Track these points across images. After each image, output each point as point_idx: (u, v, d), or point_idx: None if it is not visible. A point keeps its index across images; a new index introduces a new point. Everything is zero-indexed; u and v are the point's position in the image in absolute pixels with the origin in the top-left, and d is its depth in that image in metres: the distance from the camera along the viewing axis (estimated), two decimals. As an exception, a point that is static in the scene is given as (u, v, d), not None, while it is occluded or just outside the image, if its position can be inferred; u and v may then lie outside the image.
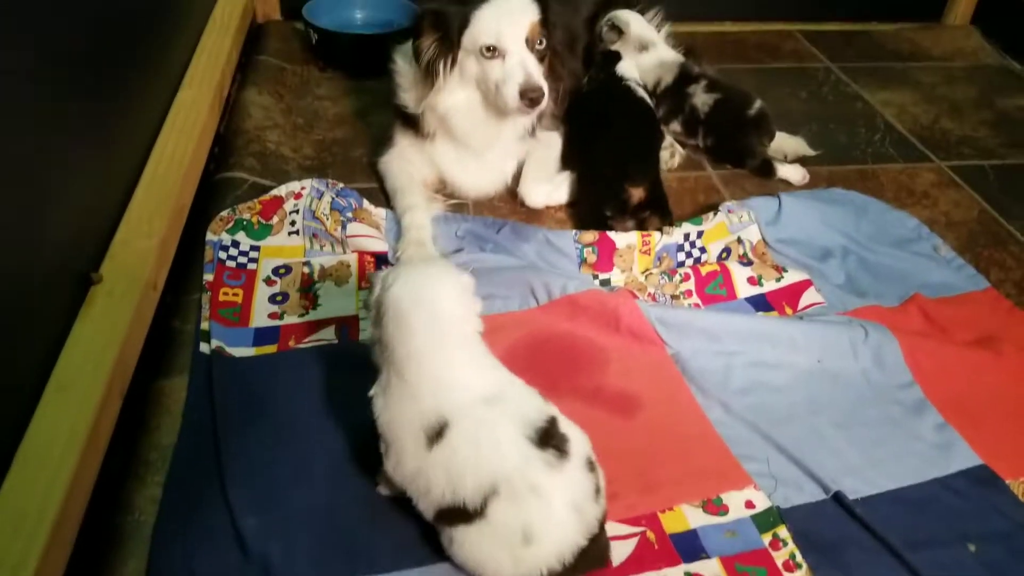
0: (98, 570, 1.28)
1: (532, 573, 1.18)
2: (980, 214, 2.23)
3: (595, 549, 1.22)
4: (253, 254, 1.86)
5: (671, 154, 2.31)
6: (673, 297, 1.86)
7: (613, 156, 2.05)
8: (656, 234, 1.93)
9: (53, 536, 1.12)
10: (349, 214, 1.95)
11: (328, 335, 1.70)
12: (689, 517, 1.38)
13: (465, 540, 1.19)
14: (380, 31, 2.72)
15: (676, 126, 2.37)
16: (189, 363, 1.62)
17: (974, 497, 1.45)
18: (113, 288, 1.47)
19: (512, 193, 2.14)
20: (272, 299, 1.77)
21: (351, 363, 1.62)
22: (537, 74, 1.86)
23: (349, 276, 1.84)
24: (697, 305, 1.85)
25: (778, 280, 1.88)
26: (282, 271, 1.84)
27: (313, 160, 2.24)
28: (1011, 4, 3.14)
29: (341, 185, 2.03)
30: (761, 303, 1.85)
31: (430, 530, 1.27)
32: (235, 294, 1.77)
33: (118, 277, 1.50)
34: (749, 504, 1.41)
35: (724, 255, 1.96)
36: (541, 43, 1.89)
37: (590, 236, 1.94)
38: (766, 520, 1.38)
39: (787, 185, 2.27)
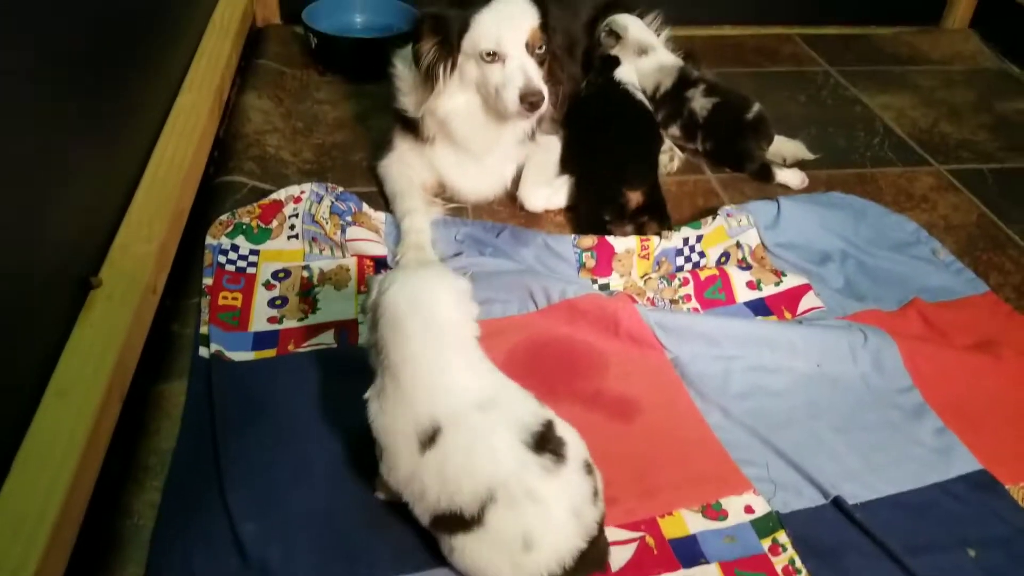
0: (97, 575, 1.28)
1: None
2: (979, 218, 2.23)
3: (595, 551, 1.22)
4: (252, 258, 1.86)
5: (670, 158, 2.32)
6: (672, 302, 1.86)
7: (612, 160, 2.05)
8: (655, 238, 1.93)
9: (52, 540, 1.12)
10: (348, 218, 1.95)
11: (327, 339, 1.70)
12: (688, 522, 1.38)
13: (465, 548, 1.19)
14: (379, 35, 2.73)
15: (675, 130, 2.38)
16: (188, 367, 1.62)
17: (974, 502, 1.45)
18: (112, 292, 1.47)
19: (511, 197, 2.14)
20: (271, 303, 1.77)
21: (350, 367, 1.61)
22: (537, 78, 1.86)
23: (348, 280, 1.84)
24: (696, 309, 1.85)
25: (777, 284, 1.88)
26: (281, 275, 1.84)
27: (313, 164, 2.24)
28: (1010, 8, 3.15)
29: (340, 189, 2.03)
30: (760, 307, 1.85)
31: (428, 535, 1.27)
32: (234, 298, 1.77)
33: (117, 281, 1.50)
34: (748, 509, 1.41)
35: (723, 259, 1.96)
36: (541, 47, 1.89)
37: (589, 241, 1.94)
38: (765, 525, 1.38)
39: (786, 189, 2.27)
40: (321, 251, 1.90)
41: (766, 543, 1.36)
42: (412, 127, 2.07)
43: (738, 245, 1.98)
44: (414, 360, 1.21)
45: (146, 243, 1.60)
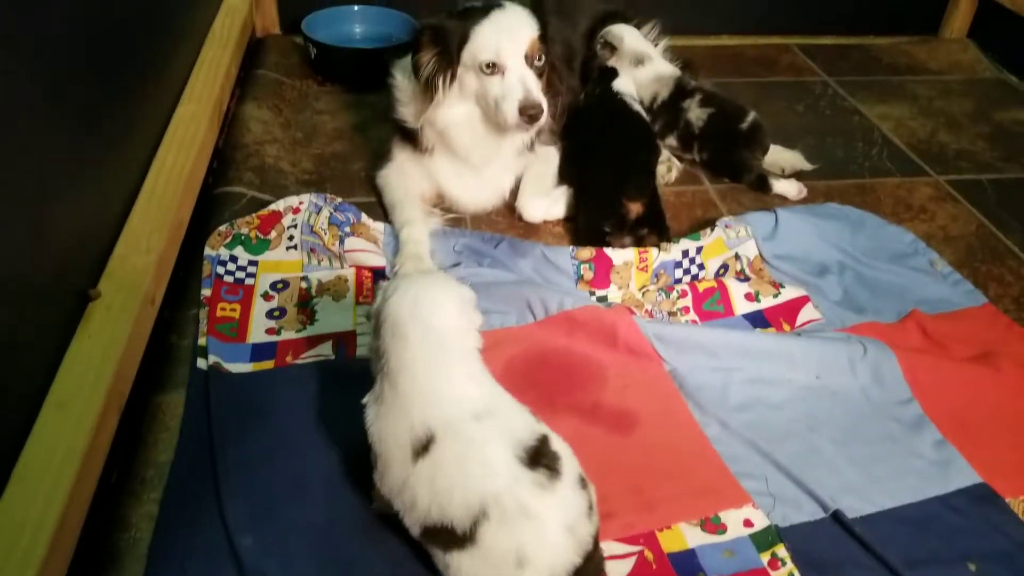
0: (94, 588, 1.28)
1: None
2: (978, 228, 2.23)
3: (590, 567, 1.21)
4: (251, 269, 1.86)
5: (668, 168, 2.32)
6: (670, 314, 1.85)
7: (610, 171, 2.05)
8: (653, 251, 1.93)
9: (50, 553, 1.11)
10: (347, 229, 1.95)
11: (325, 350, 1.70)
12: (687, 536, 1.38)
13: (460, 566, 1.18)
14: (379, 45, 2.74)
15: (672, 140, 2.38)
16: (186, 379, 1.62)
17: (974, 516, 1.45)
18: (111, 303, 1.47)
19: (510, 208, 2.14)
20: (270, 314, 1.77)
21: (348, 379, 1.61)
22: (536, 91, 1.86)
23: (347, 291, 1.84)
24: (694, 321, 1.85)
25: (775, 296, 1.88)
26: (280, 286, 1.84)
27: (312, 174, 2.24)
28: (1008, 17, 3.15)
29: (339, 200, 2.03)
30: (759, 319, 1.85)
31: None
32: (233, 309, 1.77)
33: (116, 292, 1.50)
34: (747, 523, 1.40)
35: (721, 271, 1.96)
36: (540, 59, 1.90)
37: (587, 253, 1.94)
38: (764, 539, 1.38)
39: (784, 200, 2.27)
40: (320, 262, 1.90)
41: (765, 557, 1.35)
42: (411, 137, 2.07)
43: (736, 257, 1.98)
44: (413, 366, 1.20)
45: (145, 254, 1.60)
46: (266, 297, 1.81)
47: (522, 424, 1.22)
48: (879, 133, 2.66)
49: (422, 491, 1.18)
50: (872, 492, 1.48)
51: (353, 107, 2.57)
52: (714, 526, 1.40)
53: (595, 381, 1.66)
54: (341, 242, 1.91)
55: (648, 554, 1.35)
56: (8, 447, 1.20)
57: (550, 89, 1.97)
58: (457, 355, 1.23)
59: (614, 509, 1.39)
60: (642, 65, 2.41)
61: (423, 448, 1.18)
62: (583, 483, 1.22)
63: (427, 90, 1.92)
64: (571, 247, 1.98)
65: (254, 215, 1.95)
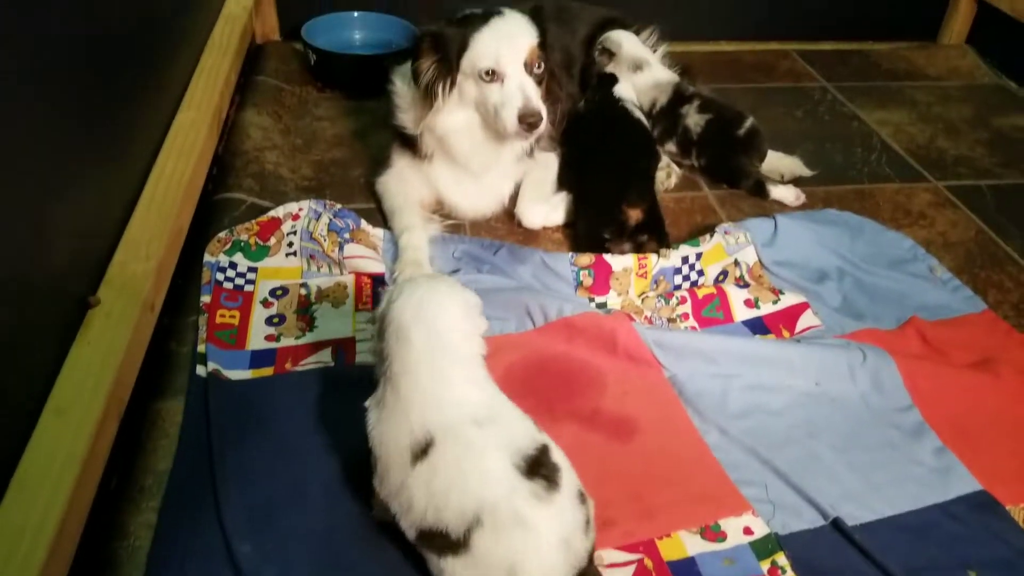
0: (93, 596, 1.27)
1: None
2: (977, 234, 2.23)
3: None
4: (250, 275, 1.86)
5: (667, 174, 2.32)
6: (670, 320, 1.85)
7: (610, 178, 2.05)
8: (652, 257, 1.93)
9: (49, 560, 1.11)
10: (347, 235, 1.95)
11: (324, 357, 1.70)
12: (687, 544, 1.37)
13: (454, 572, 1.17)
14: (378, 52, 2.74)
15: (671, 147, 2.38)
16: (186, 385, 1.61)
17: (974, 523, 1.45)
18: (111, 310, 1.47)
19: (509, 214, 2.14)
20: (269, 321, 1.77)
21: (347, 386, 1.62)
22: (536, 99, 1.87)
23: (346, 297, 1.84)
24: (694, 328, 1.85)
25: (775, 303, 1.88)
26: (279, 292, 1.83)
27: (311, 180, 2.24)
28: (1006, 23, 3.16)
29: (339, 206, 2.03)
30: (758, 326, 1.85)
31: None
32: (232, 316, 1.77)
33: (116, 299, 1.49)
34: (747, 530, 1.40)
35: (721, 277, 1.96)
36: (539, 67, 1.90)
37: (586, 259, 1.94)
38: (764, 547, 1.37)
39: (782, 206, 2.27)
40: (319, 268, 1.90)
41: (765, 565, 1.35)
42: (411, 144, 2.07)
43: (736, 263, 1.98)
44: (415, 370, 1.20)
45: (144, 261, 1.60)
46: (265, 304, 1.81)
47: (523, 432, 1.22)
48: (878, 139, 2.67)
49: (419, 494, 1.17)
50: (872, 499, 1.47)
51: (352, 113, 2.58)
52: (714, 534, 1.40)
53: (594, 388, 1.66)
54: (340, 248, 1.91)
55: (648, 562, 1.34)
56: (8, 453, 1.19)
57: (549, 96, 1.98)
58: (460, 360, 1.23)
59: (614, 517, 1.39)
60: (640, 71, 2.41)
61: (422, 451, 1.18)
62: (582, 497, 1.21)
63: (427, 97, 1.92)
64: (570, 253, 1.98)
65: (253, 221, 1.95)
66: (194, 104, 2.09)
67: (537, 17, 1.93)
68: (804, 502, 1.46)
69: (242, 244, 1.90)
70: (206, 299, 1.78)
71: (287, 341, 1.73)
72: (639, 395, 1.65)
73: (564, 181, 2.17)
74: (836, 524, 1.41)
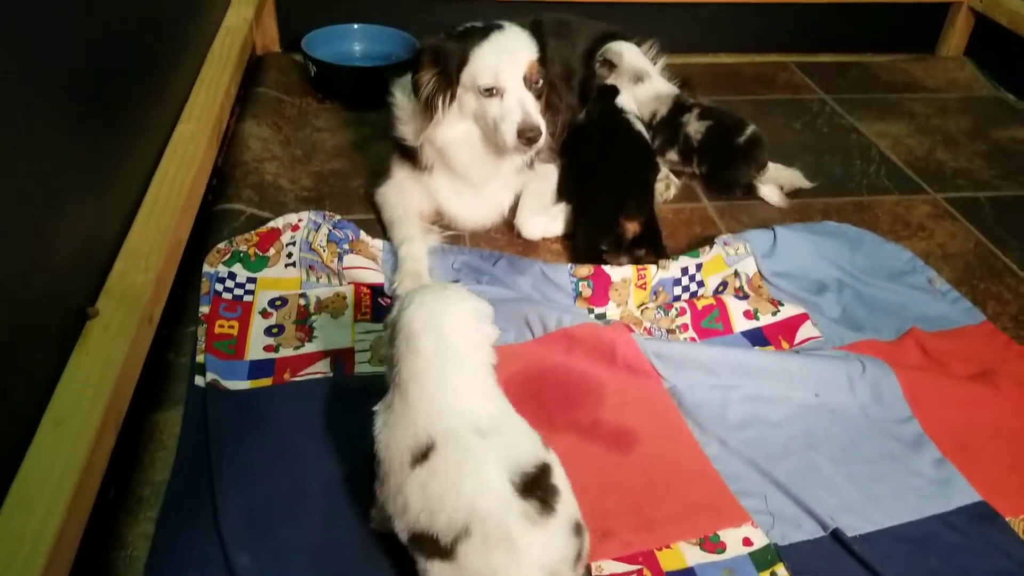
0: (90, 608, 1.27)
1: None
2: (976, 246, 2.23)
3: None
4: (249, 286, 1.86)
5: (666, 186, 2.32)
6: (669, 331, 1.85)
7: (609, 189, 2.05)
8: (652, 268, 1.93)
9: (47, 569, 1.11)
10: (346, 246, 1.95)
11: (323, 368, 1.70)
12: (686, 555, 1.37)
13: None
14: (378, 64, 2.75)
15: (672, 155, 2.38)
16: (184, 396, 1.61)
17: (974, 534, 1.44)
18: (109, 322, 1.47)
19: (509, 225, 2.15)
20: (268, 331, 1.77)
21: (346, 396, 1.62)
22: (535, 113, 1.87)
23: (345, 308, 1.84)
24: (693, 339, 1.85)
25: (774, 314, 1.88)
26: (278, 303, 1.83)
27: (311, 191, 2.25)
28: (1004, 36, 3.17)
29: (338, 217, 2.03)
30: (757, 337, 1.85)
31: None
32: (231, 326, 1.77)
33: (115, 311, 1.49)
34: (747, 541, 1.40)
35: (720, 288, 1.96)
36: (538, 81, 1.90)
37: (585, 270, 1.94)
38: (764, 558, 1.37)
39: (780, 216, 2.27)
40: (318, 279, 1.90)
41: (764, 576, 1.35)
42: (410, 155, 2.07)
43: (736, 274, 1.98)
44: (423, 377, 1.21)
45: (144, 273, 1.60)
46: (264, 314, 1.81)
47: (525, 449, 1.20)
48: (877, 151, 2.67)
49: (415, 497, 1.17)
50: (871, 510, 1.47)
51: (352, 125, 2.58)
52: (713, 545, 1.39)
53: (594, 398, 1.66)
54: (340, 259, 1.91)
55: (647, 573, 1.34)
56: (7, 463, 1.19)
57: (549, 107, 1.99)
58: (468, 368, 1.24)
59: (613, 528, 1.39)
60: (641, 83, 2.42)
61: (423, 455, 1.18)
62: (578, 529, 1.19)
63: (427, 109, 1.92)
64: (569, 264, 1.98)
65: (253, 232, 1.95)
66: (194, 115, 2.09)
67: (537, 31, 1.94)
68: (804, 513, 1.45)
69: (241, 255, 1.90)
70: (205, 309, 1.78)
71: (286, 351, 1.72)
72: (638, 406, 1.65)
73: (563, 192, 2.18)
74: (835, 535, 1.41)
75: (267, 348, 1.73)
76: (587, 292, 1.92)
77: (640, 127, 2.26)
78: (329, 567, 1.32)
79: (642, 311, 1.90)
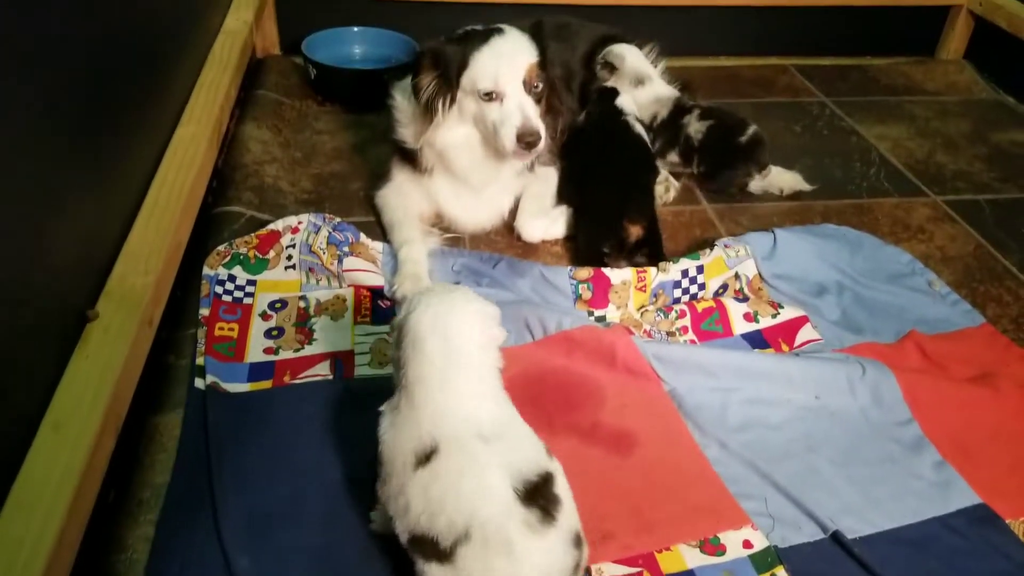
0: (90, 611, 1.27)
1: None
2: (976, 249, 2.23)
3: None
4: (249, 288, 1.86)
5: (666, 188, 2.32)
6: (669, 334, 1.85)
7: (610, 191, 2.06)
8: (652, 270, 1.93)
9: (48, 568, 1.11)
10: (346, 248, 1.95)
11: (323, 370, 1.70)
12: (686, 557, 1.37)
13: None
14: (378, 66, 2.75)
15: (673, 157, 2.38)
16: (184, 399, 1.61)
17: (974, 537, 1.44)
18: (109, 324, 1.47)
19: (509, 227, 2.15)
20: (268, 334, 1.77)
21: (346, 399, 1.62)
22: (534, 118, 1.87)
23: (345, 311, 1.84)
24: (693, 342, 1.85)
25: (774, 316, 1.88)
26: (278, 305, 1.84)
27: (311, 193, 2.25)
28: (1004, 39, 3.17)
29: (338, 219, 2.03)
30: (757, 340, 1.85)
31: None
32: (231, 329, 1.77)
33: (114, 313, 1.49)
34: (747, 544, 1.40)
35: (721, 291, 1.97)
36: (538, 86, 1.90)
37: (585, 272, 1.94)
38: (764, 560, 1.37)
39: (780, 218, 2.27)
40: (318, 281, 1.90)
41: (764, 578, 1.35)
42: (410, 158, 2.08)
43: (736, 276, 1.98)
44: (429, 380, 1.21)
45: (144, 275, 1.59)
46: (264, 317, 1.81)
47: (529, 456, 1.20)
48: (876, 153, 2.67)
49: (416, 499, 1.17)
50: (871, 513, 1.47)
51: (352, 127, 2.58)
52: (713, 547, 1.39)
53: (593, 401, 1.66)
54: (340, 262, 1.91)
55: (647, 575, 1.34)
56: (6, 466, 1.19)
57: (550, 110, 1.99)
58: (475, 371, 1.23)
59: (613, 530, 1.39)
60: (642, 86, 2.42)
61: (426, 457, 1.18)
62: (578, 540, 1.19)
63: (427, 112, 1.93)
64: (569, 267, 1.98)
65: (253, 235, 1.95)
66: (194, 118, 2.09)
67: (537, 34, 1.94)
68: (804, 515, 1.45)
69: (241, 257, 1.91)
70: (205, 312, 1.78)
71: (286, 354, 1.72)
72: (638, 409, 1.65)
73: (564, 194, 2.18)
74: (835, 537, 1.41)
75: (267, 350, 1.73)
76: (587, 294, 1.92)
77: (640, 129, 2.26)
78: (329, 569, 1.32)
79: (642, 313, 1.90)
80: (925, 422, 1.66)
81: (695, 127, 2.33)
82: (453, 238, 2.12)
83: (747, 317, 1.88)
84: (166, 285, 1.71)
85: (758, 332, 1.86)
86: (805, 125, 2.83)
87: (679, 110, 2.38)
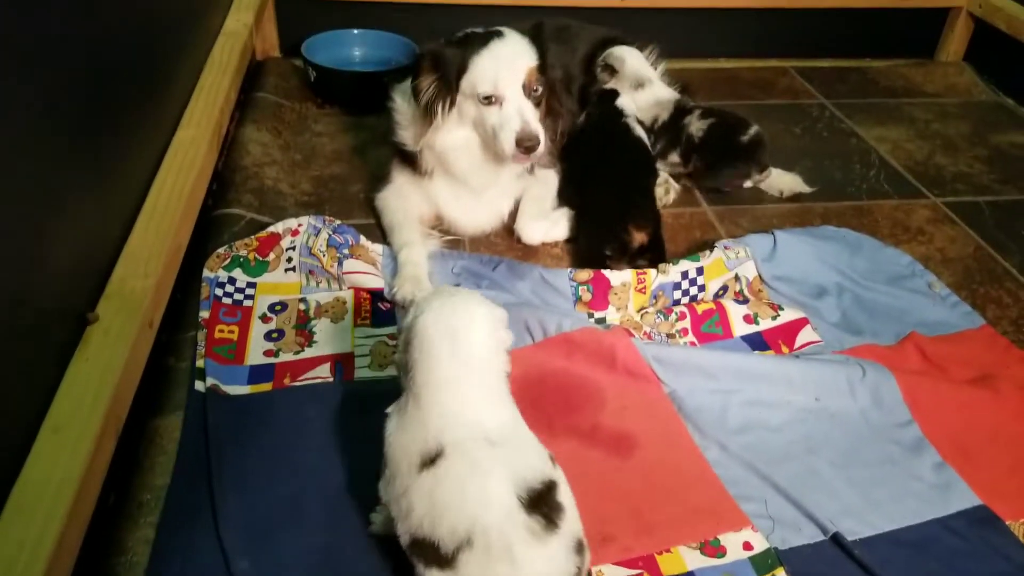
0: (90, 613, 1.27)
1: None
2: (976, 250, 2.23)
3: None
4: (249, 291, 1.86)
5: (666, 191, 2.32)
6: (669, 336, 1.85)
7: (612, 193, 2.06)
8: (652, 272, 1.93)
9: (48, 571, 1.10)
10: (346, 251, 1.95)
11: (323, 373, 1.70)
12: (686, 559, 1.37)
13: None
14: (377, 69, 2.76)
15: (674, 157, 2.38)
16: (184, 401, 1.61)
17: (974, 538, 1.44)
18: (109, 327, 1.47)
19: (509, 230, 2.15)
20: (268, 336, 1.77)
21: (346, 401, 1.62)
22: (534, 122, 1.87)
23: (345, 313, 1.84)
24: (693, 344, 1.85)
25: (774, 318, 1.88)
26: (278, 308, 1.84)
27: (311, 196, 2.25)
28: (1003, 41, 3.17)
29: (338, 222, 2.03)
30: (757, 342, 1.85)
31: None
32: (231, 331, 1.77)
33: (114, 316, 1.49)
34: (747, 546, 1.40)
35: (721, 292, 1.97)
36: (537, 89, 1.91)
37: (585, 274, 1.94)
38: (764, 562, 1.37)
39: (780, 220, 2.27)
40: (318, 284, 1.90)
41: (765, 580, 1.34)
42: (410, 160, 2.08)
43: (736, 278, 1.98)
44: (436, 384, 1.21)
45: (144, 278, 1.59)
46: (264, 319, 1.81)
47: (533, 464, 1.20)
48: (876, 155, 2.68)
49: (419, 502, 1.17)
50: (871, 515, 1.47)
51: (352, 129, 2.59)
52: (713, 549, 1.39)
53: (593, 403, 1.66)
54: (339, 264, 1.92)
55: (647, 577, 1.34)
56: (6, 469, 1.19)
57: (550, 113, 1.99)
58: (482, 377, 1.23)
59: (613, 532, 1.39)
60: (642, 89, 2.42)
61: (431, 460, 1.17)
62: (580, 547, 1.19)
63: (426, 114, 1.93)
64: (569, 268, 1.98)
65: (253, 237, 1.95)
66: (194, 121, 2.09)
67: (537, 37, 1.94)
68: (804, 517, 1.45)
69: (241, 259, 1.91)
70: (205, 314, 1.78)
71: (286, 356, 1.72)
72: (638, 411, 1.65)
73: (565, 197, 2.18)
74: (836, 539, 1.41)
75: (267, 353, 1.73)
76: (587, 296, 1.92)
77: (640, 132, 2.27)
78: (329, 571, 1.32)
79: (642, 315, 1.90)
80: (925, 424, 1.66)
81: (696, 125, 2.33)
82: (453, 240, 2.12)
83: (747, 319, 1.88)
84: (166, 288, 1.71)
85: (758, 334, 1.86)
86: (805, 127, 2.83)
87: (680, 111, 2.39)
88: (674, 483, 1.51)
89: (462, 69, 1.88)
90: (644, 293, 1.91)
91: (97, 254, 1.57)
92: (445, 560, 1.13)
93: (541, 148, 1.89)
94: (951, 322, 1.94)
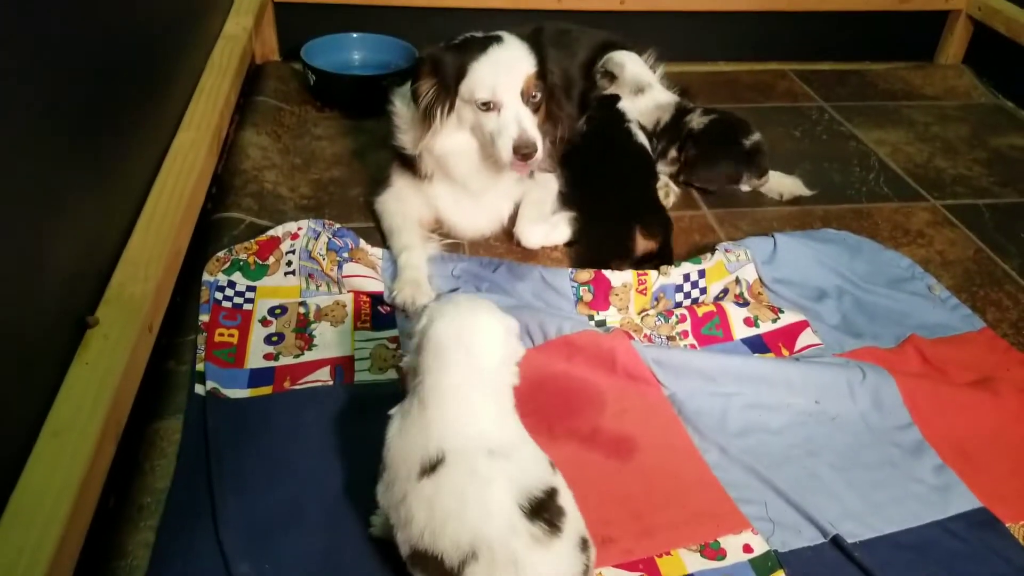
0: (91, 616, 1.27)
1: None
2: (976, 253, 2.23)
3: None
4: (249, 294, 1.86)
5: (666, 193, 2.32)
6: (669, 338, 1.85)
7: (616, 199, 2.07)
8: (652, 273, 1.93)
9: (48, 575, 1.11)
10: (345, 254, 1.95)
11: (323, 376, 1.70)
12: (687, 562, 1.37)
13: None
14: (377, 72, 2.76)
15: (673, 152, 2.39)
16: (184, 405, 1.61)
17: (974, 541, 1.44)
18: (109, 331, 1.47)
19: (508, 233, 2.15)
20: (267, 340, 1.77)
21: (346, 405, 1.62)
22: (532, 129, 1.87)
23: (345, 316, 1.84)
24: (693, 346, 1.85)
25: (774, 321, 1.88)
26: (278, 311, 1.84)
27: (310, 199, 2.25)
28: (1002, 44, 3.18)
29: (338, 226, 2.03)
30: (758, 344, 1.85)
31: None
32: (231, 335, 1.77)
33: (114, 320, 1.49)
34: (747, 548, 1.40)
35: (721, 295, 1.97)
36: (536, 96, 1.91)
37: (586, 275, 1.94)
38: (764, 565, 1.37)
39: (780, 223, 2.27)
40: (318, 287, 1.90)
41: (765, 583, 1.34)
42: (410, 164, 2.08)
43: (737, 281, 1.98)
44: (445, 391, 1.21)
45: (143, 282, 1.59)
46: (264, 322, 1.81)
47: (534, 472, 1.20)
48: (876, 158, 2.68)
49: (419, 510, 1.16)
50: (871, 517, 1.47)
51: (351, 133, 2.59)
52: (713, 552, 1.39)
53: (594, 406, 1.66)
54: (339, 267, 1.92)
55: (647, 580, 1.34)
56: (6, 474, 1.19)
57: (549, 118, 1.99)
58: (491, 388, 1.23)
59: (613, 535, 1.39)
60: (642, 93, 2.43)
61: (431, 467, 1.17)
62: (584, 544, 1.19)
63: (426, 118, 1.93)
64: (570, 269, 1.98)
65: (252, 241, 1.95)
66: (194, 124, 2.09)
67: (536, 41, 1.94)
68: (804, 520, 1.45)
69: (241, 263, 1.91)
70: (205, 318, 1.78)
71: (286, 360, 1.72)
72: (638, 413, 1.65)
73: (568, 201, 2.18)
74: (836, 542, 1.41)
75: (267, 356, 1.73)
76: (588, 297, 1.92)
77: (642, 137, 2.27)
78: (329, 574, 1.32)
79: (642, 318, 1.90)
80: (925, 426, 1.66)
81: (698, 120, 2.35)
82: (453, 244, 2.12)
83: (747, 322, 1.88)
84: (166, 292, 1.71)
85: (758, 337, 1.86)
86: (804, 130, 2.83)
87: (681, 112, 2.40)
88: (674, 486, 1.51)
89: (461, 74, 1.88)
90: (645, 294, 1.91)
91: (97, 257, 1.57)
92: (449, 574, 1.13)
93: (539, 155, 1.89)
94: (951, 325, 1.94)
